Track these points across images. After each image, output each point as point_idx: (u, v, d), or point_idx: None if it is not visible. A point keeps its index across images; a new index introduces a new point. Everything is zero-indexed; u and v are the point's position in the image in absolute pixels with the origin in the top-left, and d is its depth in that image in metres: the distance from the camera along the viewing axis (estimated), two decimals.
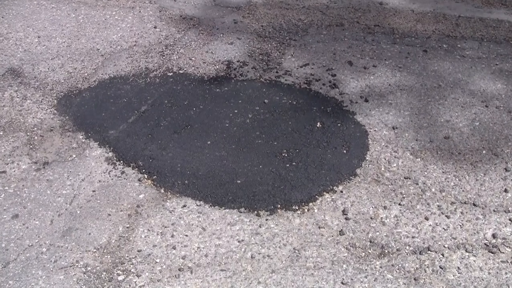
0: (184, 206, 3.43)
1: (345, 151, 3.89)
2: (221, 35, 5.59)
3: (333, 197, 3.50)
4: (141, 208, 3.42)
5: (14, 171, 3.75)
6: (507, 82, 4.69)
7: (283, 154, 3.86)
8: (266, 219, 3.32)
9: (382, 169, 3.72)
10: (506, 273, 2.97)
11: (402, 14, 6.03)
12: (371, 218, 3.33)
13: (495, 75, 4.80)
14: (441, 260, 3.03)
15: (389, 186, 3.57)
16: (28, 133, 4.12)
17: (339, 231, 3.23)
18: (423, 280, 2.94)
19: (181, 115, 4.28)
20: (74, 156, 3.89)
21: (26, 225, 3.30)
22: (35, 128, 4.17)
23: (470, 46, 5.32)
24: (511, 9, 6.15)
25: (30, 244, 3.18)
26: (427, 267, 3.00)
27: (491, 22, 5.82)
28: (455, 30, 5.64)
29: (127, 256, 3.08)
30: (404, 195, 3.49)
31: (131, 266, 3.03)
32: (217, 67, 4.97)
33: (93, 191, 3.56)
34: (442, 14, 6.03)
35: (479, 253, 3.08)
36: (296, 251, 3.10)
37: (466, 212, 3.35)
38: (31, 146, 3.98)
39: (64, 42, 5.46)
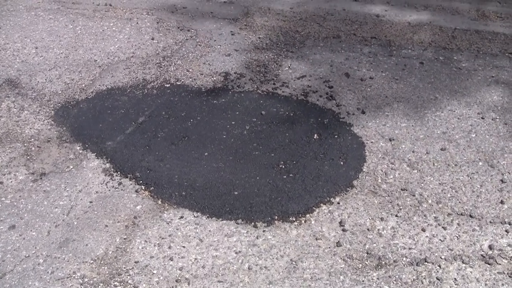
0: (181, 217, 3.43)
1: (342, 163, 3.90)
2: (218, 46, 5.61)
3: (330, 208, 3.50)
4: (138, 219, 3.41)
5: (11, 182, 3.75)
6: (503, 94, 4.71)
7: (280, 166, 3.86)
8: (263, 231, 3.32)
9: (379, 180, 3.73)
10: (502, 285, 2.97)
11: (398, 26, 6.06)
12: (368, 229, 3.33)
13: (491, 87, 4.83)
14: (438, 272, 3.04)
15: (386, 197, 3.58)
16: (25, 144, 4.12)
17: (336, 243, 3.23)
18: None
19: (179, 126, 4.29)
20: (71, 167, 3.89)
21: (23, 236, 3.30)
22: (32, 139, 4.17)
23: (466, 58, 5.35)
24: (507, 22, 6.19)
25: (27, 255, 3.17)
26: (424, 278, 3.01)
27: (487, 35, 5.85)
28: (451, 43, 5.67)
29: (124, 268, 3.08)
30: (401, 207, 3.50)
31: (128, 277, 3.02)
32: (215, 78, 4.99)
33: (90, 202, 3.56)
34: (439, 26, 6.06)
35: (476, 264, 3.08)
36: (293, 263, 3.10)
37: (463, 224, 3.36)
38: (28, 157, 3.98)
39: (61, 53, 5.47)
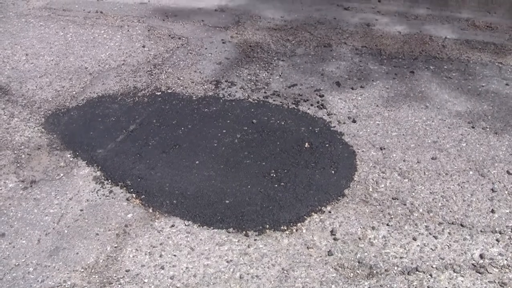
0: (173, 226, 3.42)
1: (333, 172, 3.90)
2: (210, 54, 5.61)
3: (321, 217, 3.50)
4: (129, 227, 3.40)
5: (1, 189, 3.73)
6: (493, 103, 4.74)
7: (272, 174, 3.86)
8: (255, 239, 3.32)
9: (370, 189, 3.74)
10: None
11: (389, 35, 6.09)
12: (360, 238, 3.33)
13: (481, 96, 4.85)
14: (429, 281, 3.04)
15: (377, 206, 3.59)
16: (15, 151, 4.10)
17: (328, 252, 3.23)
18: None
19: (170, 134, 4.29)
20: (61, 175, 3.87)
21: (13, 244, 3.28)
22: (23, 147, 4.15)
23: (456, 67, 5.37)
24: (496, 32, 6.23)
25: (17, 263, 3.15)
26: (415, 287, 3.01)
27: (477, 44, 5.89)
28: (441, 52, 5.69)
29: (115, 276, 3.06)
30: (392, 216, 3.50)
31: (119, 286, 3.01)
32: (206, 86, 4.99)
33: (81, 210, 3.55)
34: (429, 35, 6.09)
35: (467, 273, 3.09)
36: (285, 272, 3.09)
37: (454, 233, 3.36)
38: (18, 165, 3.96)
39: (52, 60, 5.45)
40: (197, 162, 3.98)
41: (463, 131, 4.35)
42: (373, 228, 3.41)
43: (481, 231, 3.39)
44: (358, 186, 3.77)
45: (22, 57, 5.53)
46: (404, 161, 4.01)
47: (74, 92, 4.89)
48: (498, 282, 3.04)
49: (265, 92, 4.89)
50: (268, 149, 4.12)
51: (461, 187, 3.76)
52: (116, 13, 6.63)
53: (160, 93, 4.88)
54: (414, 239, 3.32)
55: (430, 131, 4.35)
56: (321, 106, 4.67)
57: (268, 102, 4.74)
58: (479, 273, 3.09)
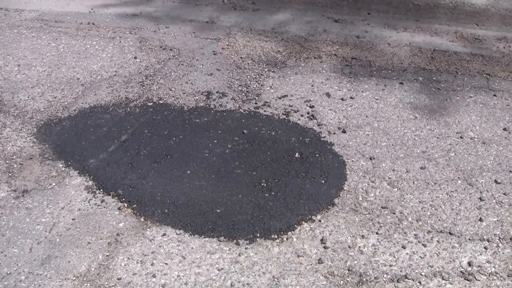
0: (164, 234, 3.44)
1: (323, 181, 3.93)
2: (201, 66, 5.64)
3: (311, 226, 3.53)
4: (121, 236, 3.42)
5: None
6: (480, 114, 4.79)
7: (262, 184, 3.89)
8: (246, 248, 3.34)
9: (360, 198, 3.77)
10: None
11: (378, 47, 6.14)
12: (349, 247, 3.36)
13: (469, 107, 4.91)
14: None
15: (367, 215, 3.62)
16: (7, 161, 4.11)
17: (318, 260, 3.25)
18: None
19: (161, 144, 4.31)
20: (53, 184, 3.88)
21: (5, 253, 3.29)
22: (14, 156, 4.16)
23: (445, 79, 5.43)
24: (484, 44, 6.30)
25: (9, 272, 3.16)
26: None
27: (465, 56, 5.95)
28: (430, 63, 5.76)
29: (106, 284, 3.07)
30: (382, 224, 3.54)
31: None
32: (197, 97, 5.01)
33: (73, 219, 3.56)
34: (418, 47, 6.15)
35: (455, 280, 3.12)
36: (276, 280, 3.12)
37: (442, 241, 3.40)
38: (10, 174, 3.97)
39: (44, 71, 5.47)
40: (188, 172, 4.01)
41: (451, 141, 4.40)
42: (362, 236, 3.44)
43: (469, 239, 3.43)
44: (348, 195, 3.80)
45: (14, 67, 5.54)
46: (393, 170, 4.05)
47: (66, 103, 4.91)
48: None
49: (256, 103, 4.92)
50: (259, 159, 4.15)
51: (449, 196, 3.80)
52: (108, 25, 6.67)
53: (151, 103, 4.91)
54: (403, 247, 3.35)
55: (419, 141, 4.40)
56: (311, 117, 4.71)
57: (259, 113, 4.78)
58: (468, 280, 3.12)
